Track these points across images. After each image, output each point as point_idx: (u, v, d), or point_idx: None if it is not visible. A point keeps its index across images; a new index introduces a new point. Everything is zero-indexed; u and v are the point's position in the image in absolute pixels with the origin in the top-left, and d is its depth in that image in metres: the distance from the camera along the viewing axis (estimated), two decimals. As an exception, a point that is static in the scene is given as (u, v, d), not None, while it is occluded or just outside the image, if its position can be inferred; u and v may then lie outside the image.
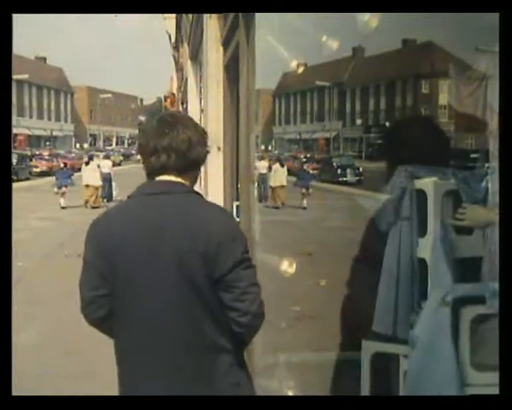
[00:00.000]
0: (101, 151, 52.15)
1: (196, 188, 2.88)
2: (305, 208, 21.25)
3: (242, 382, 2.70)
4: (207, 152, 2.81)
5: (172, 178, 2.68)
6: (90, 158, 26.41)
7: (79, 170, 29.12)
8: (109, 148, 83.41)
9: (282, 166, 23.24)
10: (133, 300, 2.61)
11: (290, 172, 23.98)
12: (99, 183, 24.55)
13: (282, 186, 22.52)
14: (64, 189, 24.21)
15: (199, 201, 2.72)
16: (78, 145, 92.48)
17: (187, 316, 2.56)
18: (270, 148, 46.42)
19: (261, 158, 25.22)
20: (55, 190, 24.50)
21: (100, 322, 2.80)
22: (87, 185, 24.34)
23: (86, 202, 24.01)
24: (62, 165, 29.13)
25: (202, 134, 2.77)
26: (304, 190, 21.65)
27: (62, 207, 23.73)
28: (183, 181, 2.70)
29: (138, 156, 3.07)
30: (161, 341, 2.58)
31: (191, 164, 2.71)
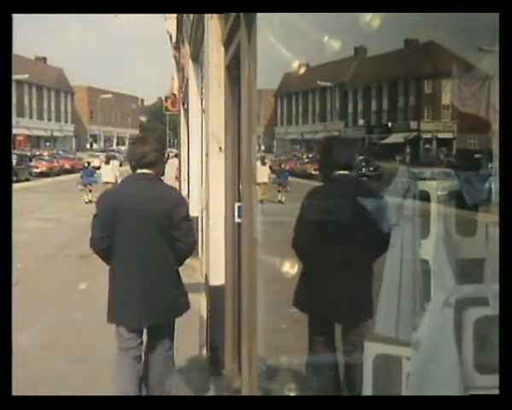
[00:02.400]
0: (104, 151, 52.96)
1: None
2: (282, 203, 23.35)
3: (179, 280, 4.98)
4: (160, 156, 4.96)
5: (145, 170, 4.85)
6: (109, 158, 28.86)
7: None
8: (110, 148, 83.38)
9: (264, 164, 24.66)
10: (126, 237, 4.76)
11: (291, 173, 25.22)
12: (118, 180, 24.93)
13: (264, 183, 24.00)
14: (89, 186, 26.88)
15: (161, 183, 4.95)
16: (88, 145, 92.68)
17: (155, 245, 4.76)
18: (262, 148, 46.40)
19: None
20: (80, 187, 27.38)
21: (102, 251, 4.87)
22: (107, 183, 24.67)
23: None
24: (86, 164, 31.27)
25: (158, 147, 4.92)
26: (280, 188, 24.32)
27: (86, 202, 25.54)
28: (151, 172, 4.84)
29: None
30: (141, 258, 4.74)
31: (147, 165, 4.83)
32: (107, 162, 27.14)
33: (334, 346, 4.64)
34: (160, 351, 4.99)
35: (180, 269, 5.07)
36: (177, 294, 4.95)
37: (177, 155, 22.40)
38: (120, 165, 28.01)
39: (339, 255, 4.44)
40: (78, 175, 29.00)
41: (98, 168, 30.26)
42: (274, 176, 25.28)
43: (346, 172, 4.56)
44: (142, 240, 4.76)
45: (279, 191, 24.46)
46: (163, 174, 5.08)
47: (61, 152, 60.20)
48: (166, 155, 5.26)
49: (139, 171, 4.88)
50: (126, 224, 4.75)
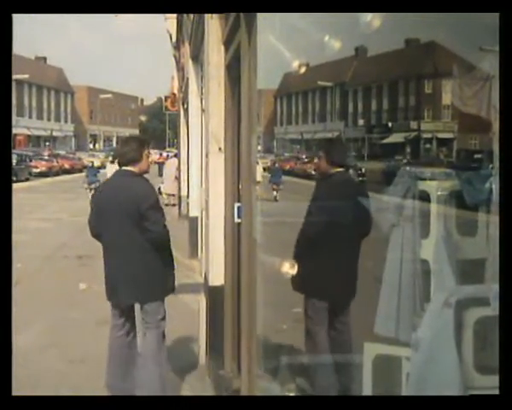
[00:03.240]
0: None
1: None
2: (276, 201, 23.47)
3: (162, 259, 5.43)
4: (138, 154, 5.39)
5: (127, 168, 5.41)
6: (115, 157, 28.88)
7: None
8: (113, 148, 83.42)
9: (257, 164, 24.70)
10: (107, 225, 5.37)
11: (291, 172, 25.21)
12: None
13: (257, 182, 23.88)
14: (93, 185, 26.91)
15: (138, 179, 5.40)
16: (91, 145, 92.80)
17: (129, 232, 5.26)
18: (259, 147, 46.51)
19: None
20: (86, 186, 27.70)
21: (96, 236, 5.54)
22: None
23: None
24: (90, 164, 31.64)
25: (136, 147, 5.43)
26: (274, 186, 24.44)
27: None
28: (133, 169, 5.39)
29: None
30: (117, 245, 5.33)
31: (127, 163, 5.40)
32: (112, 162, 27.42)
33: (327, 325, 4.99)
34: (146, 329, 5.41)
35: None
36: (152, 278, 5.36)
37: (177, 155, 22.44)
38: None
39: (334, 241, 4.92)
40: (77, 175, 29.16)
41: (100, 168, 30.49)
42: (269, 175, 25.37)
43: (342, 169, 5.18)
44: (119, 228, 5.33)
45: (274, 190, 24.61)
46: (146, 171, 5.59)
47: (28, 154, 57.83)
48: (148, 152, 5.71)
49: (123, 168, 5.47)
50: (107, 214, 5.38)
